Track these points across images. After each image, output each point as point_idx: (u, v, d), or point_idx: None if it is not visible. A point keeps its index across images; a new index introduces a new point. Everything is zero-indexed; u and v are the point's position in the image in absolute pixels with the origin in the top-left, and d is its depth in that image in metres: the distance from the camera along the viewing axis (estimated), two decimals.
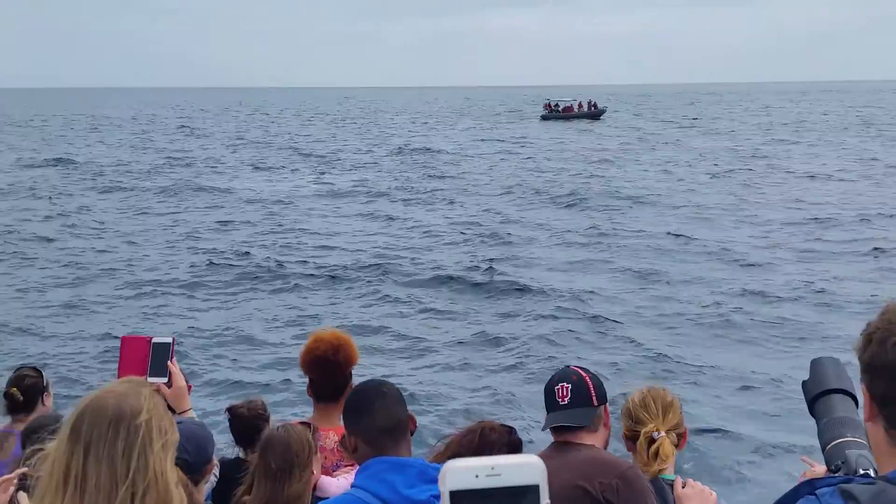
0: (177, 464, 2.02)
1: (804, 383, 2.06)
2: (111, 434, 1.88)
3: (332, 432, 3.66)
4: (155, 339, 3.38)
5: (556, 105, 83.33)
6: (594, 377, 3.34)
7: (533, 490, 1.00)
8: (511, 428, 3.30)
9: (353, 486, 2.55)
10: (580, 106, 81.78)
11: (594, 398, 3.25)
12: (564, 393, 3.23)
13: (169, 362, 3.34)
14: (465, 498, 0.97)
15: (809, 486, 1.55)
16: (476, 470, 0.98)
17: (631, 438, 3.42)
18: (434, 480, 2.43)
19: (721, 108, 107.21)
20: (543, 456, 2.77)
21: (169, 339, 3.39)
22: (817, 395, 2.00)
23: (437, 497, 2.02)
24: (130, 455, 1.88)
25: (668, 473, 3.31)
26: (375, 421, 2.56)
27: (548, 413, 3.30)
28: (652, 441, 3.33)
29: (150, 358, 3.34)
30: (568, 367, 3.45)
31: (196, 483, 2.93)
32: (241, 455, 4.17)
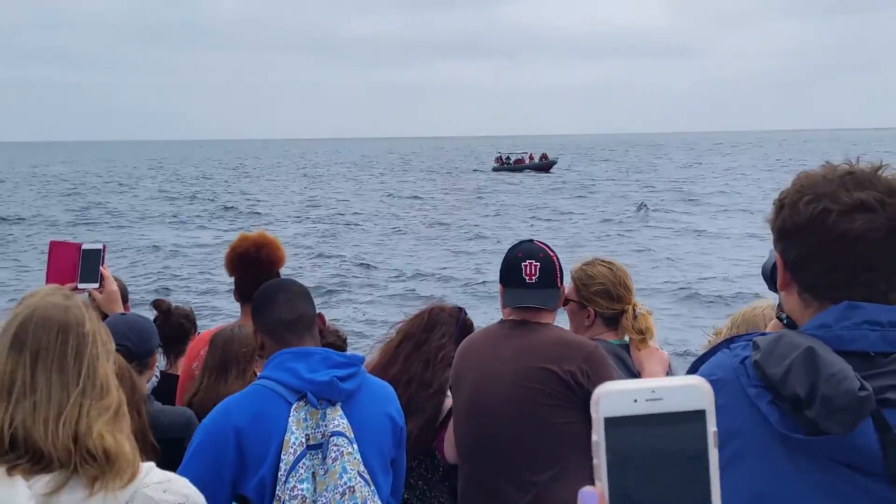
0: (118, 350, 2.17)
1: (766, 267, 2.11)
2: (60, 343, 1.93)
3: None
4: (85, 246, 3.41)
5: (508, 158, 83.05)
6: (557, 255, 3.17)
7: (699, 416, 0.88)
8: (461, 308, 3.46)
9: (258, 377, 2.60)
10: (531, 158, 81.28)
11: (558, 279, 3.13)
12: (532, 271, 3.07)
13: (101, 267, 3.38)
14: (623, 424, 0.87)
15: (729, 342, 1.64)
16: (634, 394, 0.87)
17: (609, 317, 3.34)
18: (338, 365, 2.55)
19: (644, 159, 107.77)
20: (502, 334, 3.11)
21: (99, 246, 3.44)
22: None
23: (341, 378, 2.51)
24: (80, 363, 1.92)
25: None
26: (275, 314, 2.59)
27: (507, 287, 3.11)
28: (636, 315, 3.32)
29: (81, 264, 3.37)
30: (531, 241, 3.22)
31: (140, 372, 3.00)
32: (165, 364, 4.18)
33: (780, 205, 1.61)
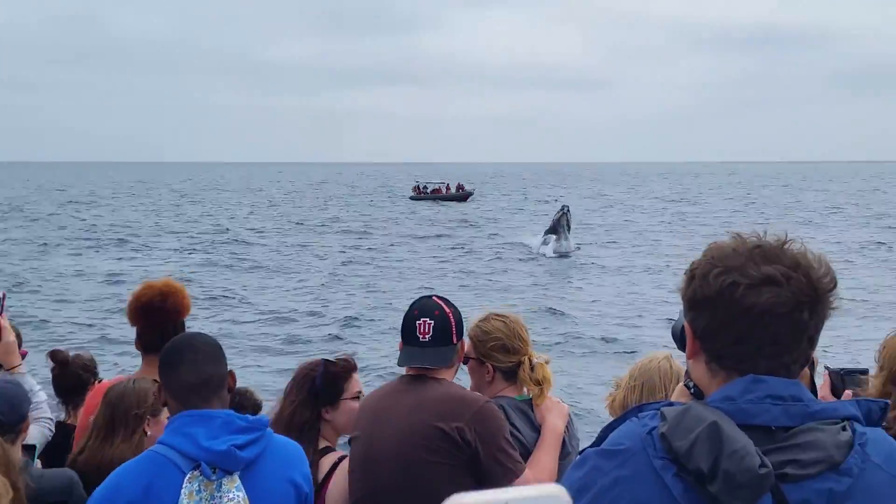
0: None
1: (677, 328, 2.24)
2: None
3: None
4: None
5: (425, 187, 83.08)
6: (455, 311, 3.15)
7: None
8: (323, 360, 3.36)
9: (157, 442, 2.51)
10: (448, 188, 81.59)
11: (454, 335, 3.11)
12: (426, 329, 3.07)
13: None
14: None
15: (638, 410, 1.64)
16: None
17: (507, 371, 3.33)
18: (240, 430, 2.46)
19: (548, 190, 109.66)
20: (398, 389, 3.13)
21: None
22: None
23: (239, 447, 2.41)
24: None
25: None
26: (182, 375, 2.49)
27: (405, 345, 3.12)
28: (532, 366, 3.31)
29: None
30: (430, 297, 3.22)
31: (13, 442, 2.84)
32: (64, 416, 4.04)
33: (691, 275, 1.64)
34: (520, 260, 36.12)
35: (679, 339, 1.94)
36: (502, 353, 3.33)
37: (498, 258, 36.55)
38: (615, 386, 3.48)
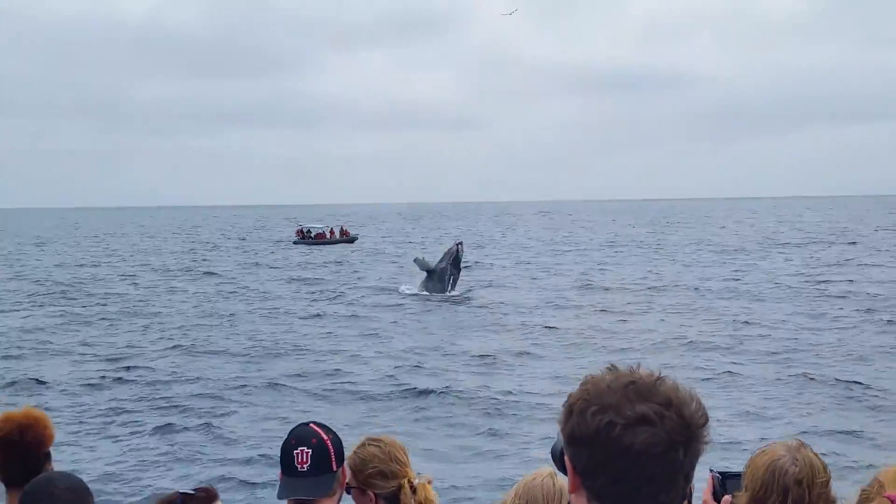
0: None
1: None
2: None
3: None
4: None
5: (309, 231, 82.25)
6: (334, 438, 3.09)
7: None
8: (179, 493, 3.12)
9: None
10: (332, 233, 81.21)
11: (333, 462, 3.05)
12: (304, 459, 3.00)
13: None
14: None
15: None
16: None
17: (389, 497, 3.26)
18: None
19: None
20: None
21: None
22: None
23: None
24: None
25: None
26: None
27: (284, 476, 3.04)
28: (413, 489, 3.26)
29: None
30: (307, 425, 3.14)
31: None
32: None
33: (569, 411, 1.66)
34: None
35: (559, 460, 1.93)
36: (381, 479, 3.29)
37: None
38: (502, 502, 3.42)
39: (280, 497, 3.05)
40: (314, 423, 3.16)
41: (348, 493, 3.27)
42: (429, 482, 3.35)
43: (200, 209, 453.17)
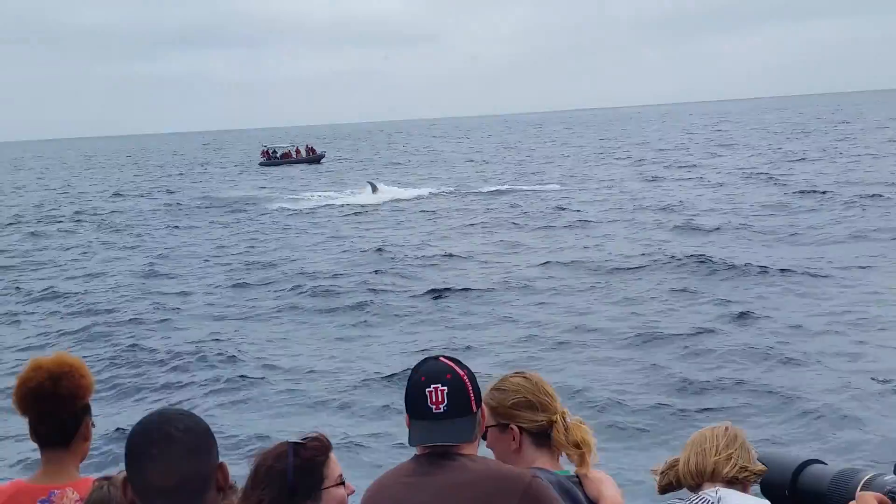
0: None
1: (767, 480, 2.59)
2: None
3: (70, 488, 2.96)
4: None
5: (275, 151, 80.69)
6: (470, 373, 2.64)
7: None
8: (292, 443, 2.68)
9: None
10: (297, 152, 79.91)
11: (473, 402, 2.61)
12: (439, 398, 2.58)
13: None
14: None
15: None
16: None
17: (537, 433, 2.84)
18: None
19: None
20: (419, 472, 2.62)
21: None
22: (796, 474, 2.45)
23: None
24: None
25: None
26: (148, 474, 1.98)
27: (413, 419, 2.63)
28: (566, 427, 2.85)
29: None
30: (436, 358, 2.68)
31: None
32: None
33: None
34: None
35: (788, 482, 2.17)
36: (529, 411, 2.86)
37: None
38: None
39: (413, 443, 2.65)
40: (444, 356, 2.74)
41: (484, 438, 2.81)
42: (580, 422, 2.92)
43: (148, 137, 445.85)
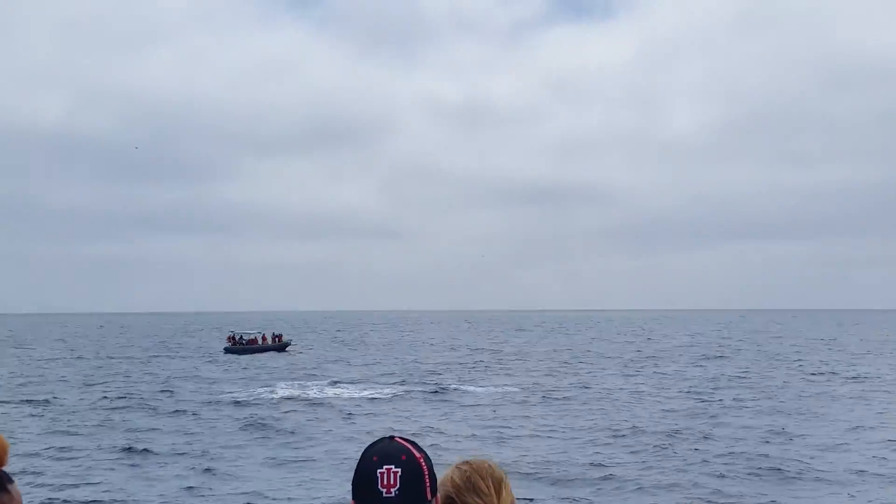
0: None
1: None
2: None
3: None
4: None
5: (241, 338, 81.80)
6: (427, 458, 2.42)
7: None
8: None
9: None
10: (264, 339, 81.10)
11: (428, 489, 2.35)
12: (391, 480, 2.31)
13: None
14: None
15: None
16: None
17: None
18: None
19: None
20: None
21: None
22: None
23: None
24: None
25: None
26: None
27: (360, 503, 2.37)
28: None
29: None
30: (391, 438, 2.46)
31: None
32: None
33: None
34: None
35: None
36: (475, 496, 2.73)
37: None
38: None
39: None
40: (399, 436, 2.51)
41: None
42: None
43: (120, 316, 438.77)
